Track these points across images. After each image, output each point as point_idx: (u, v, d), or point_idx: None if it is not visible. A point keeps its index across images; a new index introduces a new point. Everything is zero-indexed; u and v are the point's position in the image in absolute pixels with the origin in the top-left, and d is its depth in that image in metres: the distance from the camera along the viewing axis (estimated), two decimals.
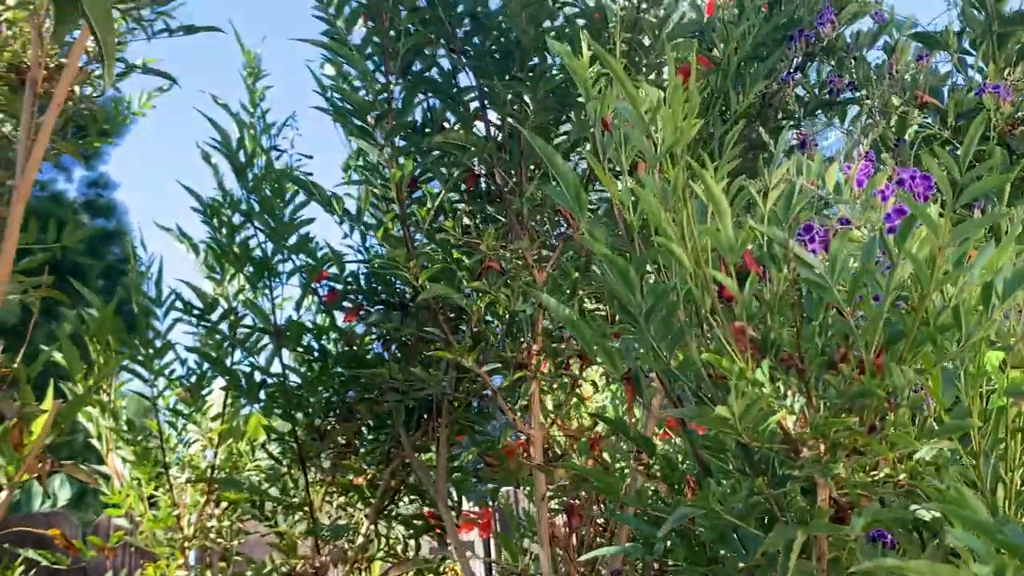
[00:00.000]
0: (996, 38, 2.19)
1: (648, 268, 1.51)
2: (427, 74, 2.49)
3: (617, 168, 1.51)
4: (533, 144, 1.53)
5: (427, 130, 2.57)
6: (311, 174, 2.97)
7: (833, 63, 2.46)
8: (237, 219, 2.77)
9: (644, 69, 2.25)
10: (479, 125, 2.53)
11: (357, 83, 2.46)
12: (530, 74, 2.26)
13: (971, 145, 1.09)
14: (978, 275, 1.20)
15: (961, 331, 1.19)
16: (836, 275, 1.22)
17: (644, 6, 2.40)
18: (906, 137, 2.31)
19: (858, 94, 2.45)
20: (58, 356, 2.66)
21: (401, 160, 2.41)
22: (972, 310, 1.20)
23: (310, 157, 2.93)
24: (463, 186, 2.61)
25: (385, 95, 2.36)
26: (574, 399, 2.80)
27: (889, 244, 1.20)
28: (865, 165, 1.56)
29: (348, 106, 2.36)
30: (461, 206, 2.68)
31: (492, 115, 2.51)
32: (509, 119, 2.37)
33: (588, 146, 2.16)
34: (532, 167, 2.42)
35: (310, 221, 2.68)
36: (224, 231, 2.77)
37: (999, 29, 2.18)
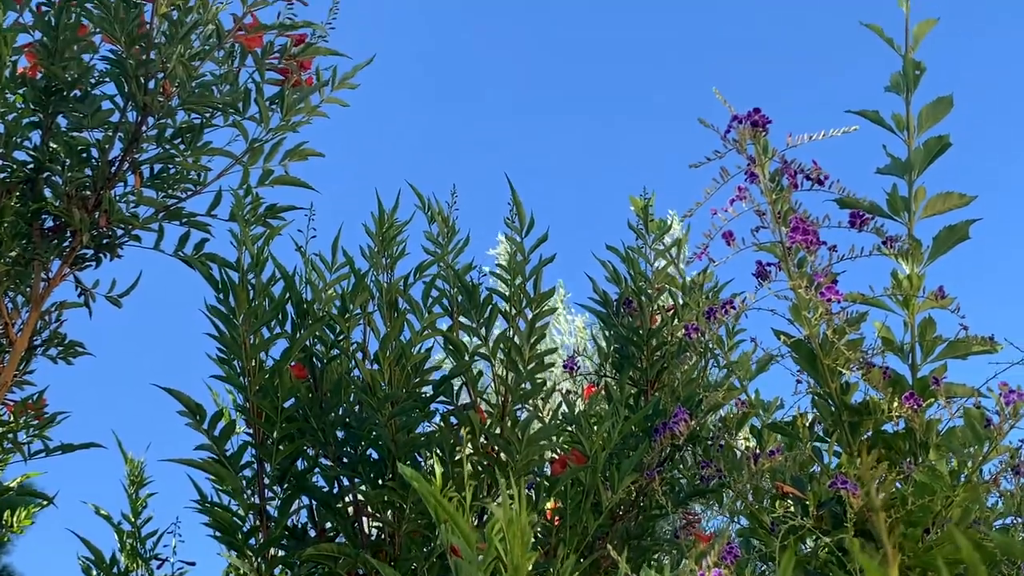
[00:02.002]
0: (848, 426, 2.28)
1: None
2: (307, 477, 2.50)
3: None
4: (382, 573, 1.52)
5: (311, 534, 2.54)
6: None
7: (701, 451, 2.54)
8: None
9: (511, 470, 2.29)
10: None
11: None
12: (403, 480, 2.28)
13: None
14: None
15: None
16: None
17: (517, 405, 2.49)
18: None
19: (728, 479, 2.51)
20: None
21: (278, 570, 2.37)
22: None
23: (192, 564, 2.87)
24: None
25: (258, 505, 2.36)
26: None
27: None
28: (716, 573, 1.57)
29: (220, 522, 2.34)
30: None
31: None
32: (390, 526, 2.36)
33: None
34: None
35: None
36: None
37: (848, 419, 2.27)
